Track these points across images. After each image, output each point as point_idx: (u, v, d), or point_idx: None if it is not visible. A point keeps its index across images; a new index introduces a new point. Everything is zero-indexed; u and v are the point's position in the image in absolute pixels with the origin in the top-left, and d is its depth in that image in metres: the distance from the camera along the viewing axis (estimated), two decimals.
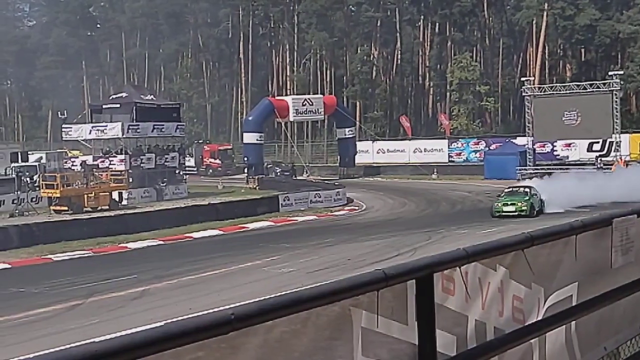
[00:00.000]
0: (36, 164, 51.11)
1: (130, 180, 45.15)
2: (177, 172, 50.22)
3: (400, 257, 22.88)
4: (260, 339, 2.36)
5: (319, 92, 75.18)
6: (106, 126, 47.64)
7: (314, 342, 2.56)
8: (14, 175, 43.54)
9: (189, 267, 24.19)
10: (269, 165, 59.28)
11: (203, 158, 68.59)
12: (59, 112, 55.60)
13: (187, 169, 54.86)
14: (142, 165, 47.37)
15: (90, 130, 48.02)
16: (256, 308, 2.30)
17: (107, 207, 40.36)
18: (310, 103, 59.07)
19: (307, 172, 59.56)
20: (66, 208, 39.25)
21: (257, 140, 56.26)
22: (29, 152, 52.15)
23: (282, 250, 26.71)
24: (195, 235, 31.94)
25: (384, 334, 2.80)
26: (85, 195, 40.36)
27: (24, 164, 46.42)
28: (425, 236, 27.97)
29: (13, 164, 46.60)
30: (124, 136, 47.12)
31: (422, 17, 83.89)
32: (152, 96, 53.71)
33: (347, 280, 2.60)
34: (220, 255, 26.36)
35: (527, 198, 32.91)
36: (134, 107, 47.57)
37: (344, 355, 2.68)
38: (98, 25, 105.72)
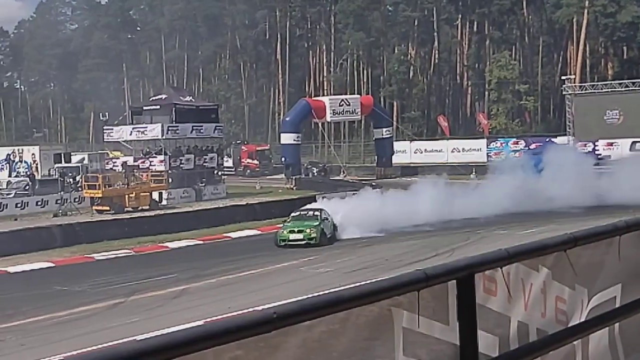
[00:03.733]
0: (79, 165, 51.81)
1: (170, 180, 45.54)
2: (215, 172, 50.54)
3: (439, 258, 22.75)
4: (299, 339, 2.37)
5: (356, 92, 75.04)
6: (146, 127, 48.11)
7: (354, 342, 2.56)
8: (57, 176, 44.23)
9: (227, 266, 24.36)
10: (308, 166, 59.35)
11: (241, 159, 68.88)
12: (100, 114, 56.29)
13: (225, 169, 55.19)
14: (181, 165, 47.75)
15: (131, 132, 48.53)
16: (298, 307, 2.31)
17: (147, 207, 40.75)
18: (347, 103, 58.98)
19: (344, 173, 59.50)
20: (108, 208, 39.71)
21: (294, 140, 56.32)
22: (71, 153, 52.83)
23: (319, 251, 26.75)
24: (233, 235, 32.13)
25: (425, 334, 2.79)
26: (126, 196, 40.80)
27: (67, 165, 47.09)
28: (464, 236, 27.76)
29: (57, 165, 47.30)
30: (164, 137, 47.53)
31: (460, 15, 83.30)
32: (190, 97, 54.13)
33: (387, 280, 2.60)
34: (258, 255, 26.48)
35: (317, 223, 28.35)
36: (174, 109, 47.98)
37: (384, 356, 2.68)
38: (138, 28, 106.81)
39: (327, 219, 29.13)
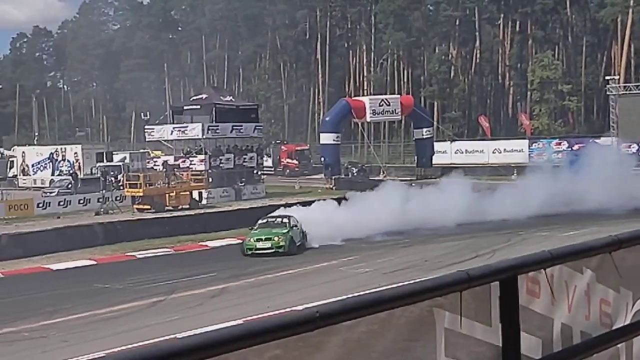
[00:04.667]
0: (120, 163, 52.39)
1: (210, 180, 45.82)
2: (254, 172, 50.73)
3: (479, 259, 22.58)
4: (338, 339, 2.35)
5: (396, 92, 74.80)
6: (187, 127, 48.47)
7: (394, 342, 2.54)
8: (99, 175, 44.80)
9: (265, 266, 24.46)
10: (348, 166, 59.30)
11: (280, 158, 69.04)
12: (141, 114, 56.88)
13: (264, 169, 55.36)
14: (221, 165, 48.02)
15: (172, 131, 48.93)
16: (340, 306, 2.29)
17: (187, 207, 41.03)
18: (387, 103, 58.79)
19: (383, 173, 59.33)
20: (149, 207, 40.07)
21: (334, 140, 56.30)
22: (113, 153, 53.46)
23: (358, 250, 26.71)
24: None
25: (467, 335, 2.76)
26: (167, 195, 41.13)
27: (108, 163, 47.67)
28: (504, 238, 27.52)
29: (99, 164, 47.93)
30: (204, 137, 47.85)
31: (502, 15, 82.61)
32: (231, 97, 54.41)
33: (430, 280, 2.58)
34: (297, 254, 26.55)
35: (286, 231, 27.07)
36: (214, 108, 48.26)
37: (425, 357, 2.66)
38: (179, 28, 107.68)
39: (296, 226, 27.80)
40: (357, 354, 2.42)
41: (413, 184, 42.53)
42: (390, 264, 23.69)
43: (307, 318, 2.20)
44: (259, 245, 26.53)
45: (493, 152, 62.31)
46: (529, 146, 61.38)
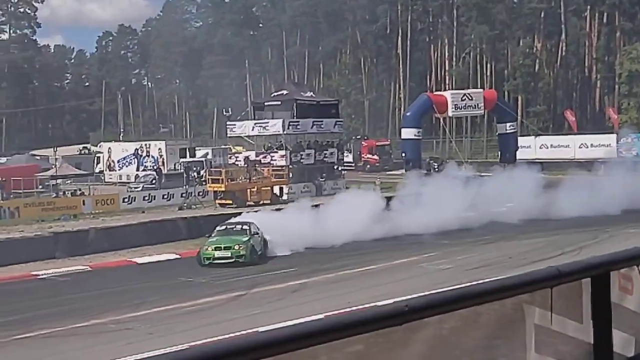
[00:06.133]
0: (203, 159, 53.21)
1: (291, 175, 46.09)
2: (335, 167, 50.81)
3: (565, 257, 22.07)
4: (422, 334, 2.31)
5: (479, 86, 73.75)
6: (268, 123, 48.88)
7: (482, 339, 2.48)
8: (182, 170, 45.62)
9: (345, 261, 24.45)
10: (430, 161, 58.85)
11: (361, 154, 68.99)
12: (223, 110, 57.57)
13: (345, 164, 55.35)
14: (301, 160, 48.27)
15: (253, 127, 49.42)
16: (429, 300, 2.26)
17: (268, 202, 41.36)
18: (470, 98, 58.00)
19: (465, 168, 58.65)
20: (230, 202, 40.53)
21: (415, 135, 55.86)
22: (196, 148, 54.32)
23: (439, 247, 26.40)
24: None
25: (557, 332, 2.68)
26: (248, 190, 41.54)
27: (191, 159, 48.45)
28: (591, 235, 26.82)
29: (182, 160, 48.77)
30: (285, 132, 48.17)
31: (588, 7, 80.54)
32: (311, 93, 54.65)
33: (519, 276, 2.51)
34: (377, 250, 26.42)
35: (247, 239, 25.30)
36: (294, 104, 48.54)
37: (514, 353, 2.60)
38: (260, 25, 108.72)
39: (257, 233, 26.09)
40: (441, 351, 2.38)
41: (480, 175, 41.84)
42: (471, 261, 23.38)
43: (396, 311, 2.17)
44: (218, 254, 24.71)
45: (579, 147, 60.90)
46: (617, 141, 59.73)
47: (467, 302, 2.33)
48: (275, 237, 26.84)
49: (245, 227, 26.38)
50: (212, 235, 25.90)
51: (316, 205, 31.61)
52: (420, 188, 33.24)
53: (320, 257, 25.59)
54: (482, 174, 41.79)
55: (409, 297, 2.30)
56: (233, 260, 24.49)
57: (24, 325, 17.28)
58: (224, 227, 26.61)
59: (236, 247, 24.75)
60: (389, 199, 32.61)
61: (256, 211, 32.69)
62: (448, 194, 30.92)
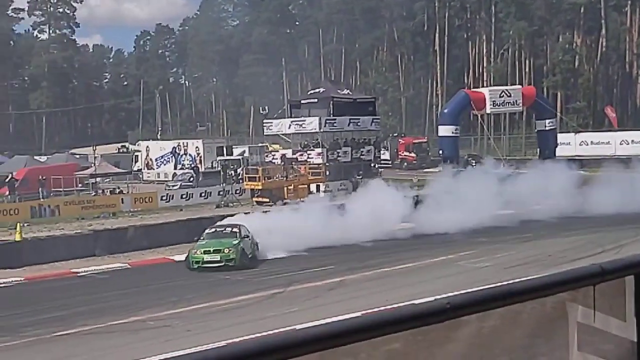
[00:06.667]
0: (240, 157, 53.47)
1: (327, 173, 46.09)
2: (372, 165, 50.69)
3: (605, 255, 21.75)
4: (462, 332, 2.28)
5: (517, 82, 73.19)
6: (304, 121, 48.92)
7: (524, 334, 2.45)
8: (220, 169, 45.87)
9: (383, 259, 24.33)
10: (468, 159, 58.47)
11: (398, 151, 68.75)
12: (260, 108, 57.86)
13: (382, 162, 55.22)
14: (338, 158, 48.25)
15: (290, 125, 49.52)
16: (471, 297, 2.22)
17: (305, 200, 41.38)
18: (508, 94, 57.52)
19: (504, 166, 58.15)
20: (267, 200, 40.66)
21: (452, 133, 55.55)
22: (233, 147, 54.61)
23: (477, 245, 26.19)
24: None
25: (600, 330, 2.63)
26: (285, 188, 41.63)
27: (228, 157, 48.71)
28: (632, 232, 26.37)
29: (219, 158, 49.04)
30: (322, 130, 48.20)
31: (629, 2, 79.37)
32: (348, 91, 54.58)
33: (561, 273, 2.46)
34: (415, 248, 26.29)
35: (236, 242, 24.49)
36: (331, 102, 48.54)
37: (555, 351, 2.55)
38: (297, 23, 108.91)
39: (247, 236, 25.32)
40: (481, 350, 2.35)
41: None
42: (510, 259, 23.16)
43: (437, 309, 2.14)
44: (207, 258, 23.93)
45: (620, 144, 60.03)
46: None
47: (509, 299, 2.29)
48: (276, 238, 26.04)
49: (235, 229, 25.60)
50: (202, 238, 25.21)
51: (339, 203, 31.46)
52: (454, 185, 32.95)
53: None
54: (520, 171, 41.27)
55: (450, 294, 2.27)
56: (223, 264, 23.79)
57: (64, 322, 17.48)
58: (213, 230, 25.96)
59: (226, 250, 24.04)
60: (417, 197, 32.45)
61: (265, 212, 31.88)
62: (483, 191, 30.64)
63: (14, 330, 16.89)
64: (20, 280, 23.80)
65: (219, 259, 23.87)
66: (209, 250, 24.05)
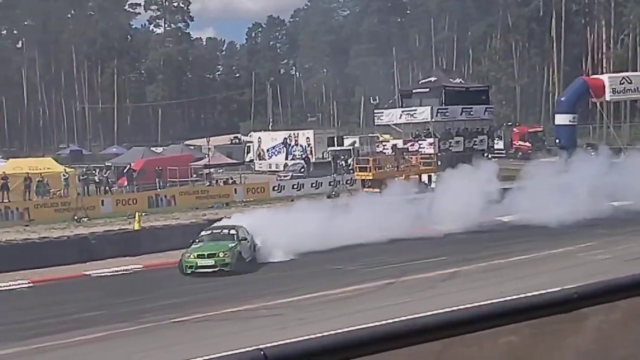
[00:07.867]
0: (350, 147, 53.53)
1: (439, 163, 45.47)
2: (485, 155, 49.70)
3: None
4: (582, 325, 2.13)
5: (638, 69, 70.22)
6: (415, 110, 48.47)
7: None
8: (330, 159, 46.02)
9: (496, 250, 23.87)
10: (586, 148, 56.60)
11: (512, 141, 67.29)
12: (370, 98, 57.61)
13: (495, 151, 54.14)
14: (450, 148, 47.58)
15: (401, 115, 49.17)
16: (599, 288, 2.10)
17: (416, 190, 40.97)
18: (629, 81, 55.28)
19: (624, 155, 55.98)
20: (378, 190, 40.47)
21: (570, 121, 53.89)
22: (343, 137, 54.69)
23: (596, 236, 25.35)
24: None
25: None
26: (396, 178, 41.31)
27: (339, 148, 48.82)
28: None
29: (330, 148, 49.23)
30: (433, 120, 47.64)
31: None
32: (460, 79, 53.71)
33: None
34: (528, 240, 25.57)
35: (233, 245, 22.95)
36: (443, 91, 47.89)
37: None
38: (407, 12, 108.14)
39: (245, 239, 23.85)
40: (602, 343, 2.19)
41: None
42: (631, 251, 22.24)
43: (565, 298, 2.04)
44: (201, 262, 22.46)
45: None
46: None
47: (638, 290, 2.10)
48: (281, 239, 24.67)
49: (232, 231, 24.09)
50: (197, 240, 23.61)
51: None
52: (563, 175, 31.94)
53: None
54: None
55: (578, 284, 2.14)
56: (217, 269, 22.37)
57: (180, 309, 17.88)
58: (209, 231, 24.38)
59: (220, 254, 22.55)
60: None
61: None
62: (595, 180, 29.53)
63: (134, 317, 17.38)
64: (139, 268, 24.52)
65: (213, 263, 22.47)
66: (203, 255, 22.62)
